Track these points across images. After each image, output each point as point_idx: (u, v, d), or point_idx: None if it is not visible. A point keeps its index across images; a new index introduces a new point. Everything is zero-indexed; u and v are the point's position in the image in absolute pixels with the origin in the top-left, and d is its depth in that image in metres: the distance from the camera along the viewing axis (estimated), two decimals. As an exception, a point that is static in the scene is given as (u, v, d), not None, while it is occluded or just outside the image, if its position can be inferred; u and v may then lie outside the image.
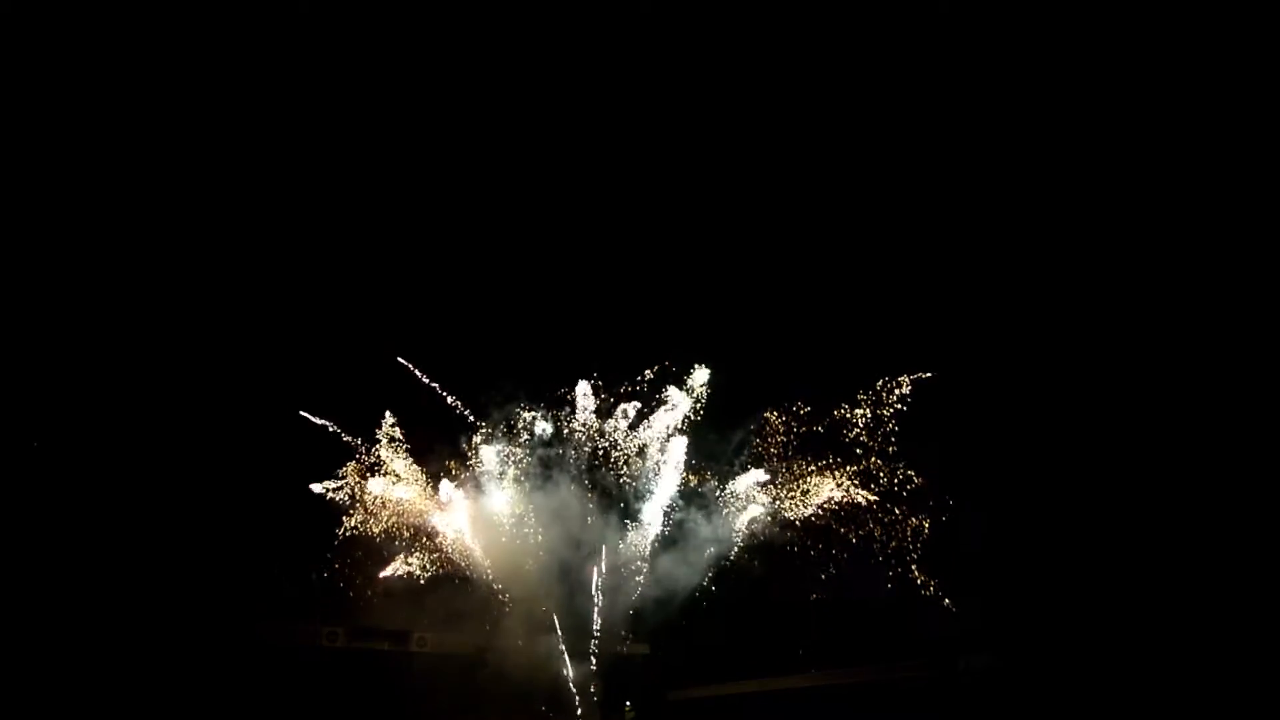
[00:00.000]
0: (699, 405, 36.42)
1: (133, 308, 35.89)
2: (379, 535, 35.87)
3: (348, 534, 35.56)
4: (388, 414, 36.10)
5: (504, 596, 36.37)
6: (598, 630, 36.70)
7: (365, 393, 36.72)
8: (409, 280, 39.29)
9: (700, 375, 36.38)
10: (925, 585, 33.29)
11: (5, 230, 33.83)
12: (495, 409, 36.95)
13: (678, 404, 36.51)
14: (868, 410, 34.42)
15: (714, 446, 36.70)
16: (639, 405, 36.92)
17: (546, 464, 37.28)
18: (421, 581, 36.28)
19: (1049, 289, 34.85)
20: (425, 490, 36.32)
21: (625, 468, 37.01)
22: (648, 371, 36.49)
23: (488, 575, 36.37)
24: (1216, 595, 27.25)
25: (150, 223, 36.63)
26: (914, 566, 33.68)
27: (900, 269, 37.20)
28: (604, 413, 37.31)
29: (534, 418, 37.16)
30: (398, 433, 36.22)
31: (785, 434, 35.48)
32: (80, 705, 30.94)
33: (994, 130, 35.66)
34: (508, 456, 36.94)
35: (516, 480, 36.92)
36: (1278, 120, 30.06)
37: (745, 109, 39.47)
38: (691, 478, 36.51)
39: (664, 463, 36.58)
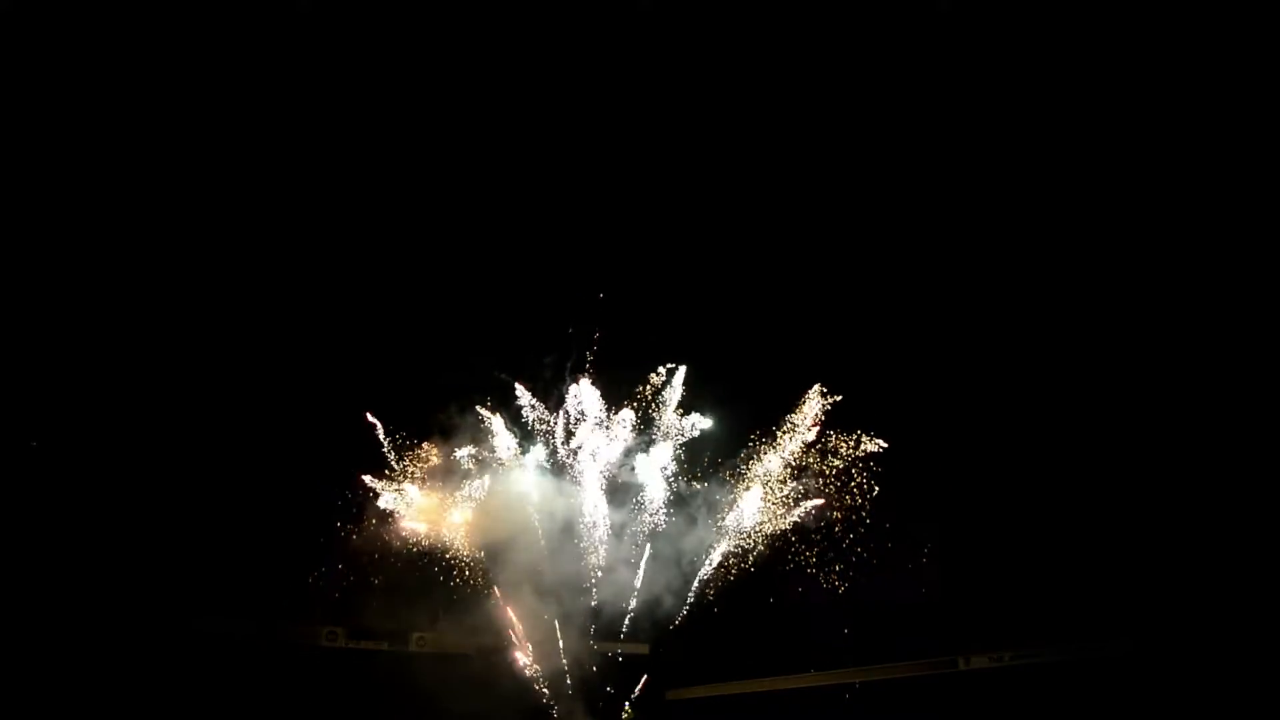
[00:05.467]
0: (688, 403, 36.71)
1: (132, 309, 35.88)
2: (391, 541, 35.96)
3: (349, 536, 35.63)
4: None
5: (503, 597, 36.39)
6: (596, 630, 36.75)
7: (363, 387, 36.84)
8: (403, 276, 39.16)
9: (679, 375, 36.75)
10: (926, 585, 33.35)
11: (5, 230, 33.86)
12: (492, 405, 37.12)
13: (670, 400, 36.76)
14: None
15: (712, 445, 36.95)
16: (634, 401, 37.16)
17: (545, 461, 37.40)
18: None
19: (1045, 288, 35.01)
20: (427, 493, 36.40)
21: (623, 465, 37.13)
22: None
23: (485, 575, 36.40)
24: (1215, 598, 27.35)
25: (149, 223, 36.59)
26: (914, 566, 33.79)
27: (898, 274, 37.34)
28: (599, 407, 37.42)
29: (530, 413, 37.31)
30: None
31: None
32: (80, 704, 31.00)
33: (994, 133, 35.72)
34: (504, 453, 37.03)
35: (514, 478, 36.94)
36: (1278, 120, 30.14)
37: (744, 109, 39.41)
38: (689, 481, 36.64)
39: (660, 460, 36.71)
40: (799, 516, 35.44)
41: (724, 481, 36.48)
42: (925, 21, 35.18)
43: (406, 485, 36.31)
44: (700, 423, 36.66)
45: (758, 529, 35.99)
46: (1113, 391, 32.53)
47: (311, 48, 36.76)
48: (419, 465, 36.56)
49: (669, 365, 37.02)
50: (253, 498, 35.01)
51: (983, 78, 35.60)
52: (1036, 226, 35.10)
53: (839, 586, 34.85)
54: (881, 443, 34.68)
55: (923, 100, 36.78)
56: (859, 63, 36.93)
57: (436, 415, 36.71)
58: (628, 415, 36.95)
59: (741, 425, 36.89)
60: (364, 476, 36.20)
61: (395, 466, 36.49)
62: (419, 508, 36.28)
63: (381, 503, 35.95)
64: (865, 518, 34.72)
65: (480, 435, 37.05)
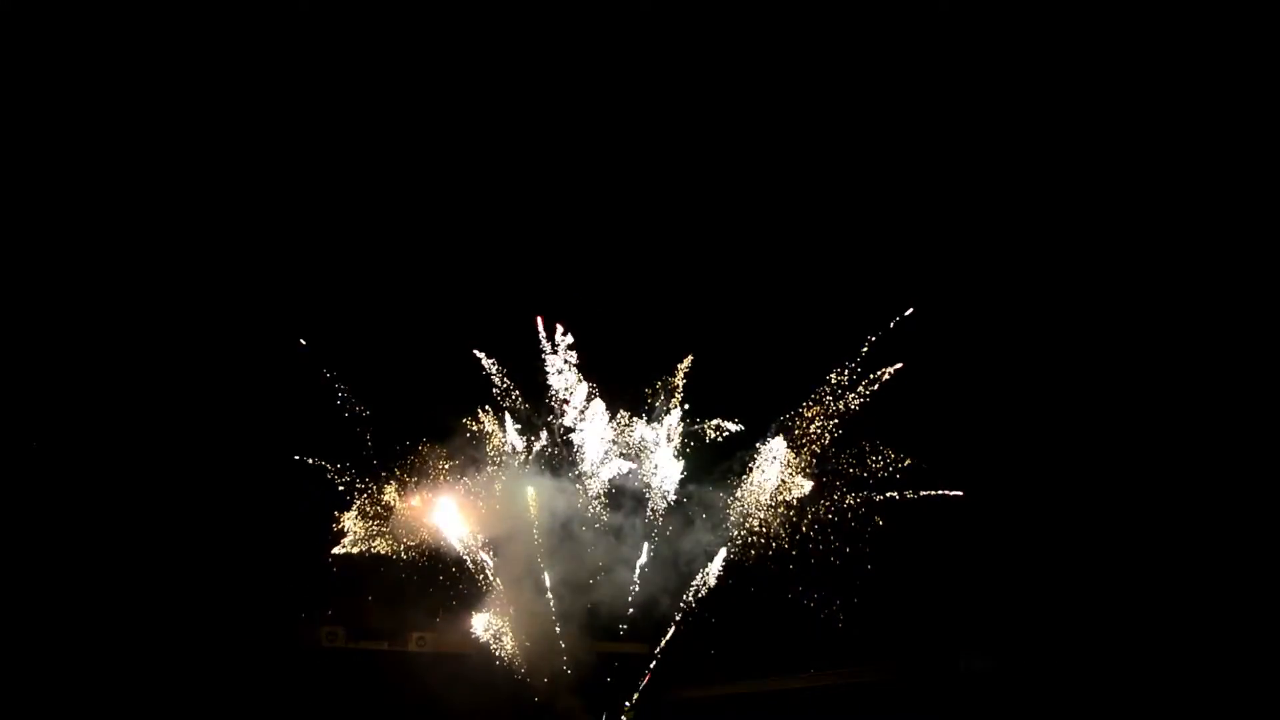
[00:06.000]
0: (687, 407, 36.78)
1: (132, 310, 35.93)
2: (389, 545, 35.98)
3: (348, 536, 35.66)
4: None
5: (502, 596, 36.40)
6: (595, 629, 36.75)
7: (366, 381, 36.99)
8: (399, 278, 39.21)
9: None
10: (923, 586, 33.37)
11: (5, 230, 33.92)
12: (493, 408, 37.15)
13: (670, 404, 36.82)
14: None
15: (712, 445, 36.98)
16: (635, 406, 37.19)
17: (546, 463, 37.42)
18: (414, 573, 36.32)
19: (1044, 287, 34.97)
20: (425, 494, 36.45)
21: (622, 465, 37.13)
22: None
23: (486, 575, 36.41)
24: (1211, 597, 27.31)
25: (148, 224, 36.65)
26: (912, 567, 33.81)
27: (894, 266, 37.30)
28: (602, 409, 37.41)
29: (529, 415, 37.34)
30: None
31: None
32: (81, 704, 31.05)
33: (993, 131, 35.71)
34: (504, 454, 37.04)
35: (516, 480, 36.94)
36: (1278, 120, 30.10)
37: (742, 109, 39.45)
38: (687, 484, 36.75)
39: (660, 460, 36.70)
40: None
41: (723, 483, 36.51)
42: (925, 21, 35.19)
43: (404, 486, 36.34)
44: (713, 428, 36.65)
45: (758, 530, 36.00)
46: (1112, 393, 32.51)
47: (311, 48, 36.87)
48: (417, 465, 36.64)
49: (665, 378, 37.18)
50: (253, 499, 35.08)
51: (983, 78, 35.61)
52: (1031, 228, 35.09)
53: (839, 587, 34.91)
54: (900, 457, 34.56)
55: (922, 100, 36.80)
56: (859, 62, 36.96)
57: (433, 416, 36.85)
58: (626, 415, 37.06)
59: (741, 426, 36.93)
60: (363, 477, 36.31)
61: (396, 469, 36.61)
62: (417, 507, 36.30)
63: (379, 503, 36.01)
64: (866, 521, 34.77)
65: (479, 435, 37.14)
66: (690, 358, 37.01)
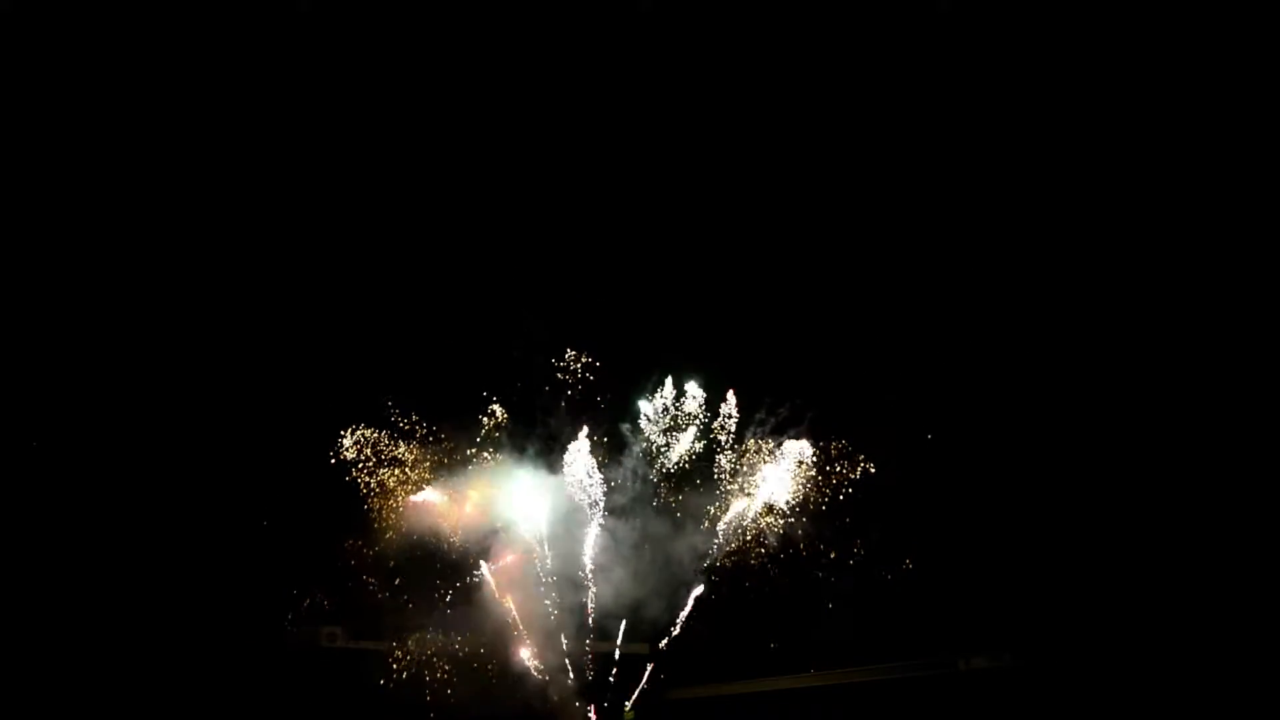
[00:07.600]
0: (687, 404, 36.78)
1: (131, 309, 35.94)
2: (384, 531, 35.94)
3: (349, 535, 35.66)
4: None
5: (502, 597, 36.42)
6: (595, 629, 36.79)
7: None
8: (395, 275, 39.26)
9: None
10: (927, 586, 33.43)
11: (5, 230, 33.94)
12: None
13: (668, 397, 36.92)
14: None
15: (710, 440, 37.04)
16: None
17: (544, 462, 37.43)
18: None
19: (1042, 291, 35.04)
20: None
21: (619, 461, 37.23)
22: None
23: (485, 575, 36.43)
24: (1215, 595, 27.35)
25: (149, 224, 36.68)
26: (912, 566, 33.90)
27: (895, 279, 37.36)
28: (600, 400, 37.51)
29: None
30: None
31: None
32: (80, 705, 31.05)
33: (994, 133, 35.74)
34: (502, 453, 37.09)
35: (514, 479, 36.95)
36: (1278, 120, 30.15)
37: (742, 111, 39.48)
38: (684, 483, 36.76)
39: (659, 457, 36.78)
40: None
41: (719, 483, 36.56)
42: (925, 21, 35.24)
43: (401, 485, 36.29)
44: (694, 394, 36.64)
45: (755, 529, 36.05)
46: (1111, 389, 32.54)
47: (312, 48, 36.89)
48: (416, 460, 36.59)
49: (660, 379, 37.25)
50: (252, 497, 35.08)
51: (983, 78, 35.65)
52: (1032, 230, 35.12)
53: (839, 587, 34.94)
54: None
55: (922, 102, 36.83)
56: (859, 62, 37.01)
57: (435, 409, 36.86)
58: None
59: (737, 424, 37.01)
60: (361, 471, 36.27)
61: (392, 464, 36.55)
62: (414, 507, 36.29)
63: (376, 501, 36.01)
64: (865, 519, 34.84)
65: (476, 434, 37.16)
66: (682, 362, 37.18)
